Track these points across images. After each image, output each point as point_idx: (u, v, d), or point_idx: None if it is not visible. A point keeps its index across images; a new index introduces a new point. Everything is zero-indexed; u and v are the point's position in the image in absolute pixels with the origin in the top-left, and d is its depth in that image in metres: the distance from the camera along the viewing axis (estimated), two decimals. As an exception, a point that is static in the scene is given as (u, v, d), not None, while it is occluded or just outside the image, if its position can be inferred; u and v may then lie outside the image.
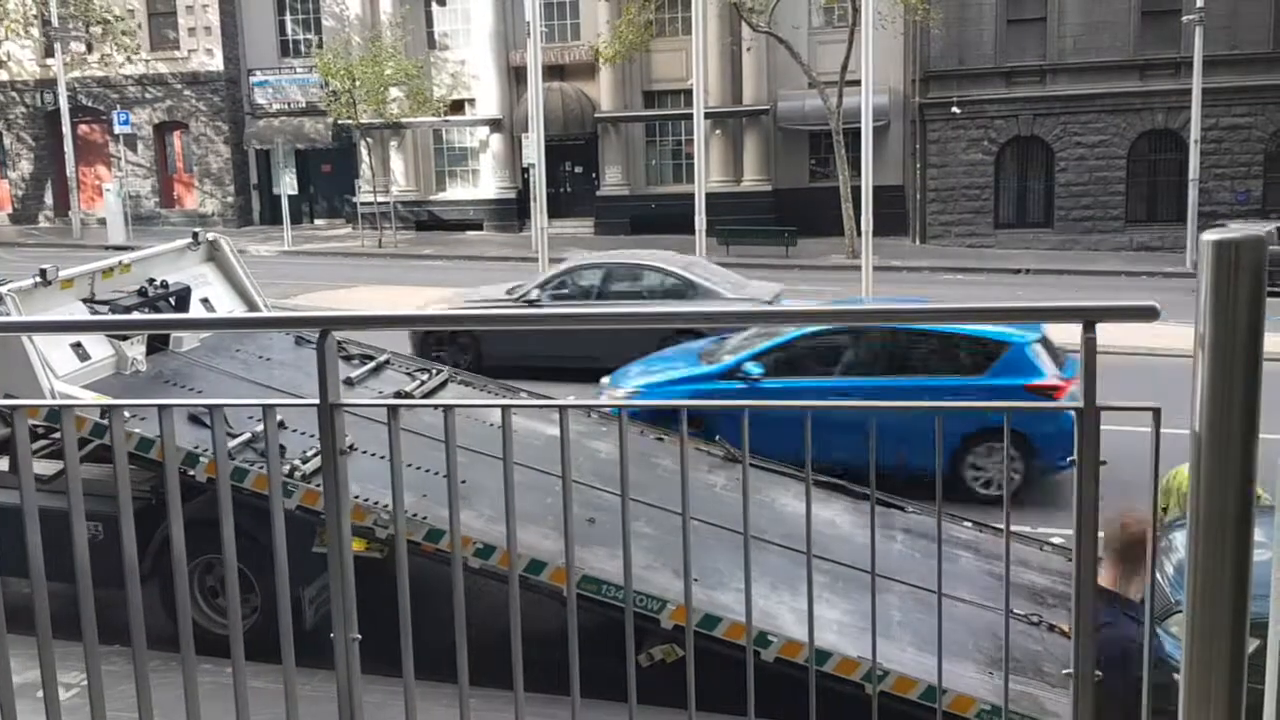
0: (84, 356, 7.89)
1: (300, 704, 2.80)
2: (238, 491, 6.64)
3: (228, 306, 9.46)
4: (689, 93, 27.18)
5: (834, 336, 11.13)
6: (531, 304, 15.39)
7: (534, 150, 24.96)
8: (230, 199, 38.50)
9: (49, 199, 39.66)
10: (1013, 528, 3.59)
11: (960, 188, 32.49)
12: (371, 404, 7.54)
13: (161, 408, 2.83)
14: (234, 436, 6.99)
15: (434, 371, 9.67)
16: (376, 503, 6.75)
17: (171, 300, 8.78)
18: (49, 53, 36.44)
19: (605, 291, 15.57)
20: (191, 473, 6.87)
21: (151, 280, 8.81)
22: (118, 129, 36.07)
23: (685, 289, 15.27)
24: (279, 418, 3.04)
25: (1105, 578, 4.37)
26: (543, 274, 16.34)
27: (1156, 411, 2.35)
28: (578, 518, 4.77)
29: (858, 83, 22.55)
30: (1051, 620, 6.80)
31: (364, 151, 35.62)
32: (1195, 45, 26.91)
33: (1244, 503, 1.92)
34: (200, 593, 7.58)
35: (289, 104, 37.86)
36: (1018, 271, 28.24)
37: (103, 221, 35.56)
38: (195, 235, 9.73)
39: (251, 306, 9.72)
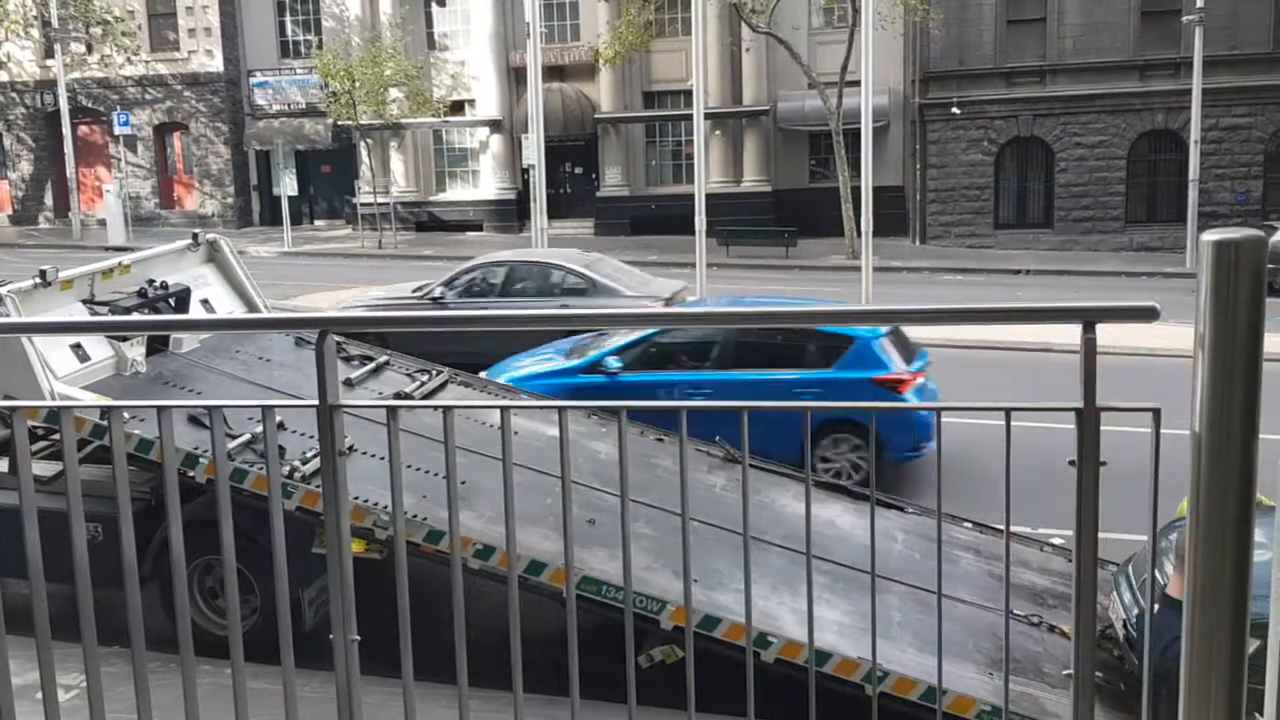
0: (84, 358, 7.89)
1: (299, 705, 2.80)
2: (237, 493, 6.65)
3: (227, 308, 9.46)
4: (689, 93, 27.16)
5: (690, 332, 11.34)
6: (436, 301, 15.91)
7: (534, 151, 24.95)
8: (230, 200, 38.50)
9: (49, 200, 39.66)
10: (1013, 528, 3.59)
11: (960, 188, 32.50)
12: (371, 405, 7.54)
13: (161, 409, 2.83)
14: (233, 438, 6.99)
15: (434, 372, 9.67)
16: (376, 504, 6.75)
17: (171, 301, 8.79)
18: (49, 54, 36.44)
19: (509, 289, 16.05)
20: (191, 474, 6.87)
21: (151, 281, 8.82)
22: (118, 130, 36.08)
23: (586, 287, 15.78)
24: (278, 419, 3.04)
25: (1176, 588, 4.31)
26: (448, 273, 16.89)
27: (1156, 412, 2.35)
28: (577, 519, 4.77)
29: (857, 83, 22.55)
30: (1052, 621, 6.81)
31: (364, 152, 35.63)
32: (1195, 45, 26.91)
33: (1244, 503, 1.92)
34: (200, 594, 7.57)
35: (289, 105, 37.86)
36: (1017, 272, 28.24)
37: (103, 223, 35.56)
38: (195, 236, 9.74)
39: (251, 308, 9.72)
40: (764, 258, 30.28)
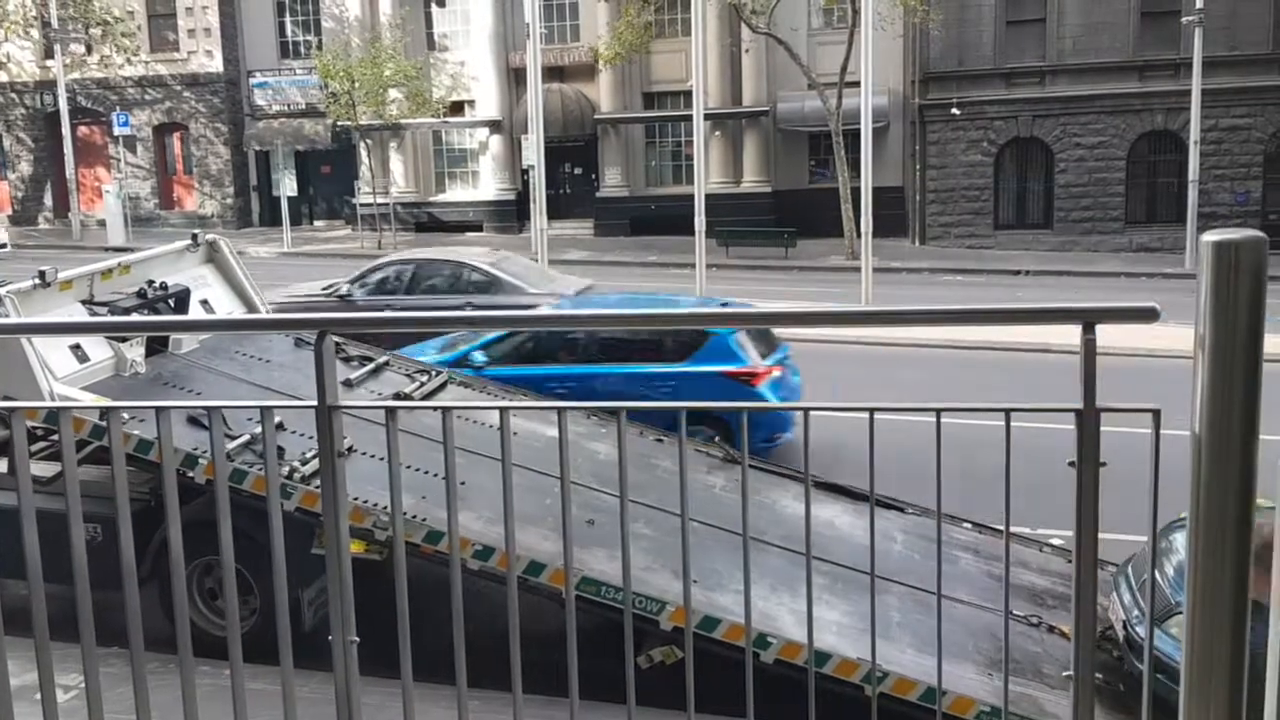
0: (83, 358, 7.89)
1: (298, 706, 2.80)
2: (236, 493, 6.64)
3: (227, 308, 9.46)
4: (688, 94, 27.18)
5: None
6: (344, 299, 16.30)
7: (534, 151, 24.97)
8: (230, 200, 38.49)
9: (48, 200, 39.66)
10: (1012, 529, 3.59)
11: (960, 189, 32.50)
12: (370, 405, 7.54)
13: (160, 410, 2.83)
14: (232, 438, 6.99)
15: (433, 373, 9.67)
16: (375, 504, 6.75)
17: (171, 302, 8.78)
18: (49, 54, 36.45)
19: (414, 287, 16.49)
20: (190, 474, 6.86)
21: (151, 282, 8.82)
22: (117, 130, 36.08)
23: (489, 284, 16.25)
24: (277, 420, 3.04)
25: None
26: (356, 271, 17.30)
27: (1156, 413, 2.35)
28: (577, 519, 4.76)
29: (857, 84, 22.55)
30: (1051, 622, 6.80)
31: (363, 153, 35.63)
32: (1195, 46, 26.91)
33: (1244, 503, 1.91)
34: (199, 594, 7.57)
35: (288, 105, 37.86)
36: (1017, 273, 28.24)
37: (102, 223, 35.56)
38: (194, 237, 9.74)
39: (251, 308, 9.72)
40: (763, 258, 30.28)
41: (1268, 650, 2.36)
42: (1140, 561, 6.73)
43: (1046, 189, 32.23)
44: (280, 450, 6.84)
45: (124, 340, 8.14)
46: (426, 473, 6.44)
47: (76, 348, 7.88)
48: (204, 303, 9.25)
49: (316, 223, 38.83)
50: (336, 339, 6.03)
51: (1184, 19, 28.05)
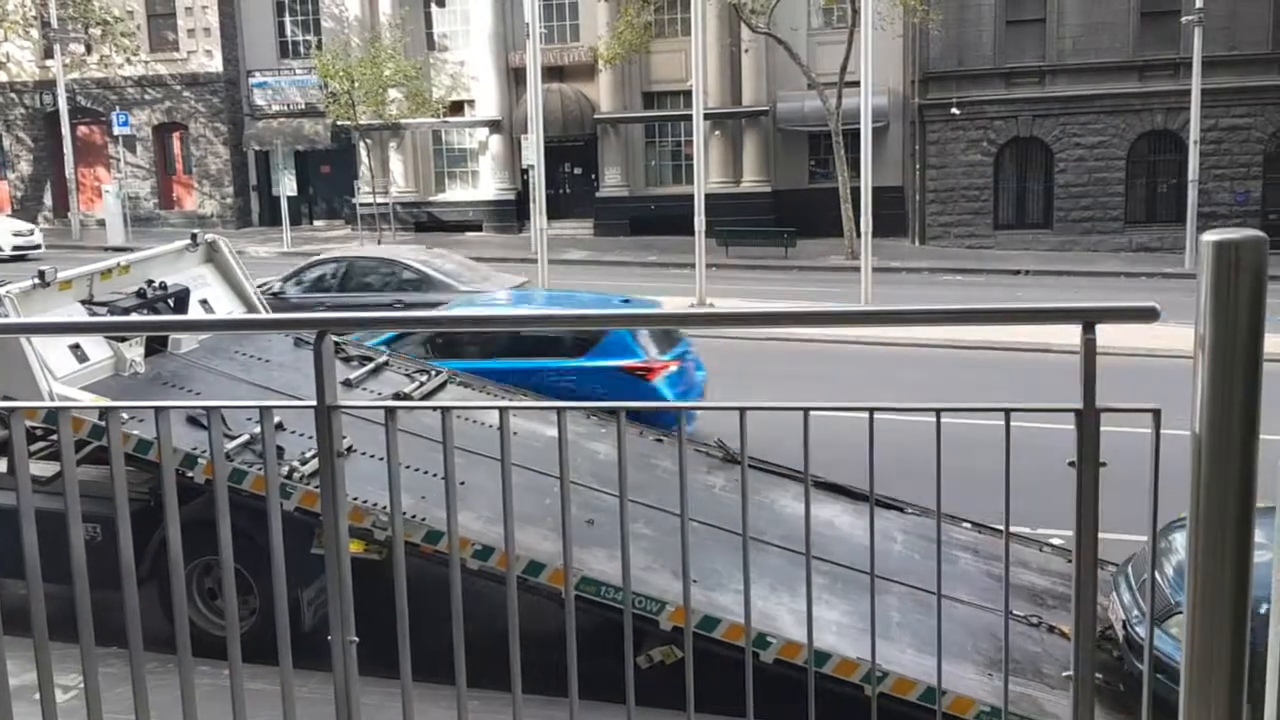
0: (82, 358, 7.89)
1: (298, 706, 2.80)
2: (235, 493, 6.63)
3: (226, 308, 9.46)
4: (688, 94, 27.18)
5: None
6: (277, 296, 16.40)
7: (533, 151, 24.97)
8: (229, 200, 38.49)
9: (48, 200, 39.66)
10: (1012, 529, 3.59)
11: (959, 189, 32.50)
12: (369, 405, 7.53)
13: (159, 409, 2.83)
14: (232, 438, 6.98)
15: (433, 373, 9.66)
16: (375, 504, 6.74)
17: (170, 302, 8.78)
18: (48, 54, 36.45)
19: (347, 284, 16.86)
20: (190, 474, 6.86)
21: (150, 282, 8.81)
22: (117, 130, 36.08)
23: (420, 282, 16.52)
24: (277, 419, 3.04)
25: None
26: (291, 269, 17.63)
27: (1156, 413, 2.35)
28: (576, 519, 4.76)
29: (857, 84, 22.55)
30: (1051, 622, 6.80)
31: (363, 153, 35.63)
32: (1194, 46, 26.91)
33: (1244, 503, 1.91)
34: (198, 594, 7.56)
35: (288, 105, 37.86)
36: (1017, 272, 28.24)
37: (102, 223, 35.57)
38: (194, 237, 9.73)
39: (250, 308, 9.72)
40: (763, 258, 30.29)
41: (1268, 651, 2.36)
42: (1140, 561, 6.72)
43: (1046, 189, 32.24)
44: (280, 450, 6.83)
45: (123, 340, 8.13)
46: (426, 472, 6.44)
47: (76, 347, 7.88)
48: (203, 302, 9.24)
49: (316, 223, 38.83)
50: (336, 339, 6.03)
51: (1184, 19, 28.05)
